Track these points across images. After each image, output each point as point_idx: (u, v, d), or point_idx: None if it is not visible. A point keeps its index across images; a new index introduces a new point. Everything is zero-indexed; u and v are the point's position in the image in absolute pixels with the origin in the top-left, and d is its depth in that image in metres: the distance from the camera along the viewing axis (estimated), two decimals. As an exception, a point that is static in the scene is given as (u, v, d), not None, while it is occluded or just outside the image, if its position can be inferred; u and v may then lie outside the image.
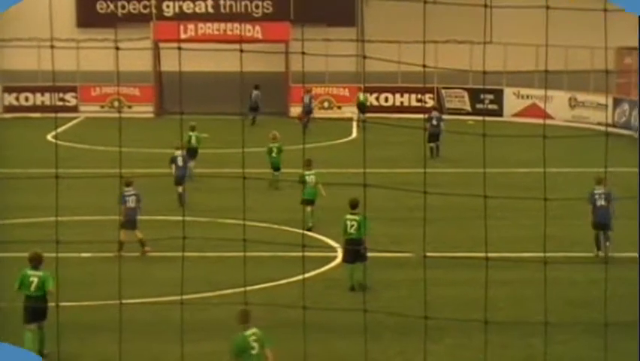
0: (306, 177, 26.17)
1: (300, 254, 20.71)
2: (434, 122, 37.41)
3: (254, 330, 13.78)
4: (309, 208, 25.88)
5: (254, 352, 13.59)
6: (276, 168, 30.93)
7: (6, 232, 23.58)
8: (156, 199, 28.12)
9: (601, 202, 23.20)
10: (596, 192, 23.34)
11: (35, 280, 16.68)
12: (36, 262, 16.79)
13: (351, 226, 20.45)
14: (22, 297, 16.80)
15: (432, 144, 36.83)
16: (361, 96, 46.16)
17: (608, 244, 23.15)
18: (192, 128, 33.61)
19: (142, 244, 22.95)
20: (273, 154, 31.05)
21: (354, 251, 20.21)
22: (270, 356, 13.80)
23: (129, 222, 22.96)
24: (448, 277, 20.89)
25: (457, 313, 18.30)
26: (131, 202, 23.12)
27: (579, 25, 42.68)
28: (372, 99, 48.32)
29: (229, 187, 28.50)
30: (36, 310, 16.70)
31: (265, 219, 25.96)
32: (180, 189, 28.17)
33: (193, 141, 33.30)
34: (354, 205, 20.63)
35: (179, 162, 28.91)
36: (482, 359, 15.46)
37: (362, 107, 45.64)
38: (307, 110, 45.20)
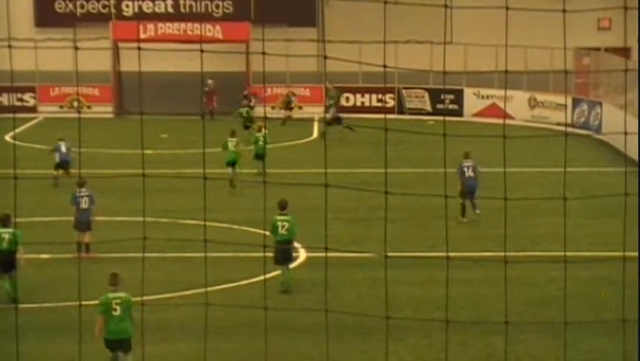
0: (229, 143, 31.07)
1: (261, 254, 20.68)
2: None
3: (120, 295, 15.45)
4: (234, 169, 30.73)
5: (115, 313, 15.32)
6: (262, 157, 32.31)
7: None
8: (116, 200, 27.97)
9: (469, 173, 26.33)
10: (464, 165, 26.36)
11: (7, 236, 19.07)
12: (6, 220, 19.21)
13: (282, 226, 20.34)
14: None
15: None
16: (329, 87, 46.46)
17: (477, 211, 25.96)
18: (248, 102, 42.93)
19: (87, 248, 22.63)
20: (260, 143, 32.57)
21: (285, 252, 20.10)
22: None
23: (82, 224, 22.70)
24: (409, 276, 20.94)
25: (418, 313, 18.36)
26: (84, 203, 22.83)
27: (538, 25, 42.97)
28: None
29: (189, 188, 28.40)
30: (6, 262, 19.07)
31: (226, 219, 25.88)
32: (61, 172, 31.34)
33: (244, 113, 41.18)
34: (283, 206, 20.57)
35: (63, 148, 31.75)
36: (443, 358, 15.52)
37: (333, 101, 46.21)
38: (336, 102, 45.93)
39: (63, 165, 31.63)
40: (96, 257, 22.43)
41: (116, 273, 15.81)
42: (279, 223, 20.40)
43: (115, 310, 15.41)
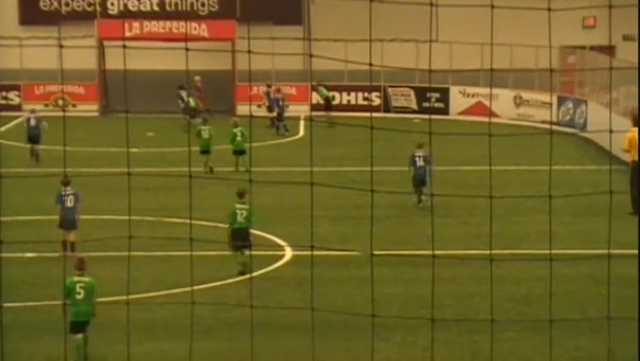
0: (202, 132, 33.14)
1: (248, 253, 20.68)
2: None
3: (85, 279, 16.16)
4: (208, 157, 32.40)
5: (79, 297, 16.04)
6: (242, 152, 32.84)
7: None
8: (101, 198, 27.91)
9: (420, 163, 27.57)
10: (416, 154, 27.67)
11: None
12: None
13: (241, 214, 21.03)
14: None
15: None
16: (325, 91, 46.15)
17: (424, 198, 27.33)
18: (189, 94, 42.89)
19: (72, 246, 22.50)
20: (238, 138, 33.10)
21: (243, 239, 20.78)
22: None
23: (67, 222, 22.60)
24: (395, 274, 20.96)
25: (403, 311, 18.37)
26: (69, 202, 22.75)
27: (524, 24, 43.02)
28: (319, 97, 48.33)
29: (175, 186, 28.36)
30: None
31: (212, 218, 25.83)
32: (36, 147, 34.34)
33: (192, 103, 42.50)
34: (241, 195, 21.28)
35: (32, 122, 35.10)
36: (429, 357, 15.53)
37: (328, 103, 45.64)
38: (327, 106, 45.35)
39: (33, 138, 34.61)
40: (75, 256, 22.33)
41: (83, 258, 16.65)
42: (238, 212, 21.02)
43: (78, 293, 16.12)
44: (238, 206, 21.11)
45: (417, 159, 27.58)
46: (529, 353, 16.86)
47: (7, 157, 32.18)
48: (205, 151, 32.62)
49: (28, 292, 19.84)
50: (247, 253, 20.94)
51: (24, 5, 50.93)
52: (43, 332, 17.61)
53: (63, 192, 22.78)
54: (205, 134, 33.08)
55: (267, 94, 45.08)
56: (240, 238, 20.86)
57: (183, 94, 44.87)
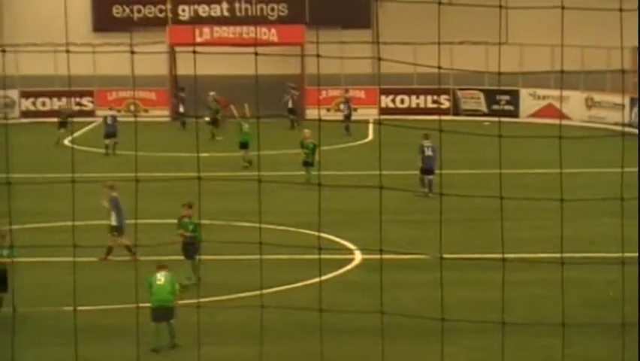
0: (242, 126, 35.15)
1: (317, 257, 20.71)
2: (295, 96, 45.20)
3: (166, 272, 17.75)
4: (247, 150, 34.52)
5: (160, 283, 17.59)
6: (311, 164, 32.32)
7: (23, 237, 23.56)
8: (172, 203, 28.17)
9: (428, 153, 29.70)
10: (425, 145, 29.82)
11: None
12: None
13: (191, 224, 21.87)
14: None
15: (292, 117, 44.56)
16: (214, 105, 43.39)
17: (430, 195, 28.84)
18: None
19: (128, 249, 22.77)
20: (311, 148, 33.16)
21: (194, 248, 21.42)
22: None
23: (123, 228, 22.97)
24: (465, 278, 20.86)
25: (473, 315, 18.28)
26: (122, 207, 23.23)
27: (595, 25, 42.53)
28: (387, 101, 48.35)
29: (244, 190, 28.53)
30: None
31: (281, 222, 25.97)
32: (108, 141, 38.44)
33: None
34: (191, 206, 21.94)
35: (109, 120, 39.27)
36: (499, 360, 15.44)
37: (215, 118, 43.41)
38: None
39: (110, 135, 38.63)
40: (137, 259, 22.51)
41: (164, 263, 18.26)
42: (190, 226, 21.61)
43: (159, 280, 17.51)
44: (188, 220, 21.80)
45: (425, 149, 29.59)
46: (601, 357, 16.68)
47: (81, 162, 32.67)
48: (244, 144, 34.81)
49: (103, 296, 20.10)
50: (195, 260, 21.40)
51: (97, 12, 51.66)
52: (117, 335, 17.84)
53: (117, 198, 23.28)
54: (245, 128, 35.15)
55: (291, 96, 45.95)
56: (190, 247, 21.41)
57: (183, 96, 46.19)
